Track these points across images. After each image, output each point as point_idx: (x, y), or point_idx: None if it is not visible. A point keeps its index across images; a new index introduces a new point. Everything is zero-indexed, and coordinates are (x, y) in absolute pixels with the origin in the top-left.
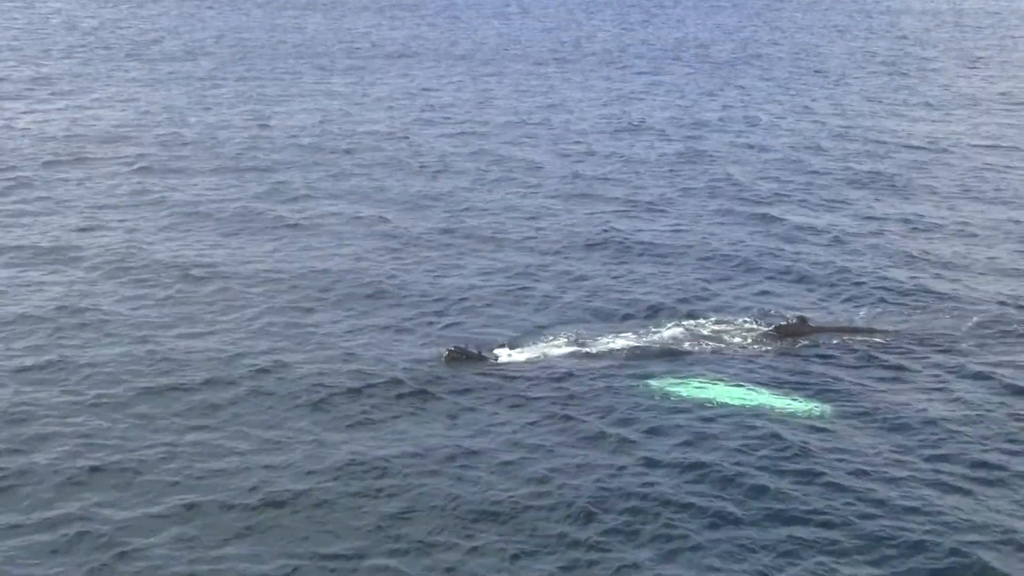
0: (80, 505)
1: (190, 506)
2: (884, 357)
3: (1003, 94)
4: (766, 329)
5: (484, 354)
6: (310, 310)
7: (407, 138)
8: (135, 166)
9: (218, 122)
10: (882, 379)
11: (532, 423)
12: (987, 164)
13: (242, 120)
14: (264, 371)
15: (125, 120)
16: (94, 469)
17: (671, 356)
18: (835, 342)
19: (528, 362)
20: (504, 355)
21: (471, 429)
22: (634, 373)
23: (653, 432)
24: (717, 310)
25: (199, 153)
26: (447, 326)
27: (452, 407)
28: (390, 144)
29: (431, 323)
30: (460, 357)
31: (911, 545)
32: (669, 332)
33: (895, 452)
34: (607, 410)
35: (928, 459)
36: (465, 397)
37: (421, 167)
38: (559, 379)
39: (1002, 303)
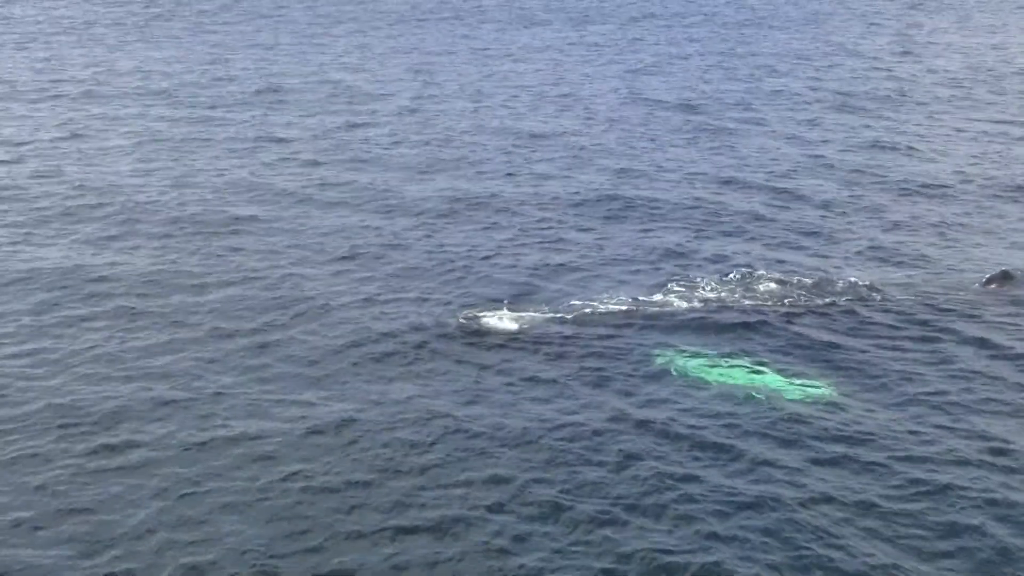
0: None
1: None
2: (891, 324)
3: (994, 47)
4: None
5: (496, 321)
6: (310, 275)
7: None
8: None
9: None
10: (888, 348)
11: (544, 389)
12: (978, 123)
13: (252, 85)
14: (266, 330)
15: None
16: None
17: (674, 324)
18: (839, 309)
19: (543, 328)
20: (518, 321)
21: (480, 394)
22: (643, 340)
23: (657, 405)
24: (710, 273)
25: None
26: (456, 293)
27: (465, 373)
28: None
29: (440, 290)
30: (473, 323)
31: (938, 526)
32: (674, 297)
33: (909, 428)
34: (613, 380)
35: (943, 435)
36: (478, 363)
37: (419, 135)
38: (570, 346)
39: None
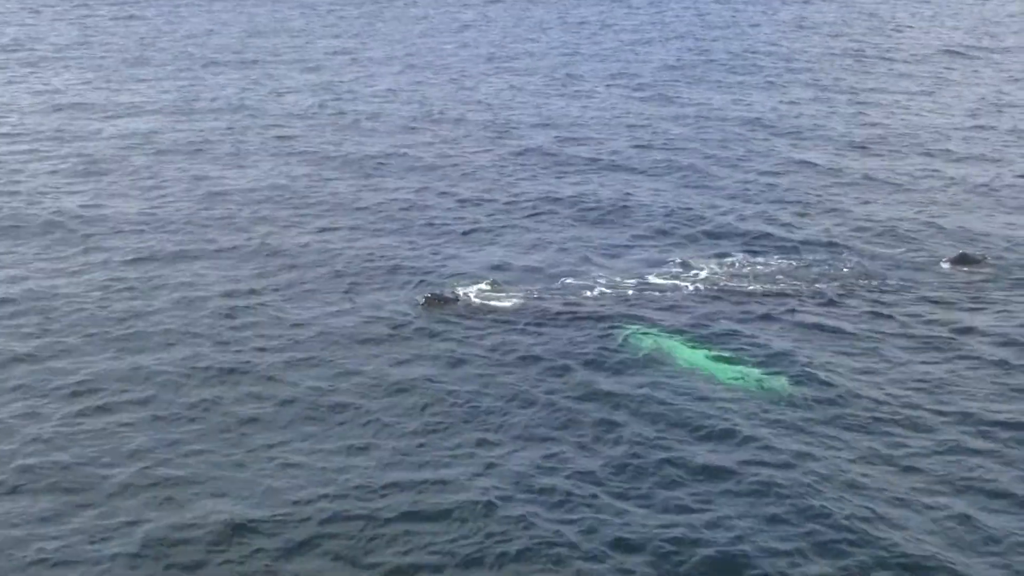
0: None
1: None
2: (853, 311)
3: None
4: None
5: (460, 299)
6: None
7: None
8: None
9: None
10: (850, 336)
11: (503, 370)
12: (914, 113)
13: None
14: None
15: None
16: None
17: (642, 304)
18: (804, 297)
19: (506, 306)
20: (482, 299)
21: (445, 375)
22: (609, 322)
23: (621, 382)
24: (675, 257)
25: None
26: (419, 273)
27: (429, 353)
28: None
29: (403, 269)
30: (437, 303)
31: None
32: (643, 278)
33: (852, 425)
34: (572, 361)
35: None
36: (441, 343)
37: (359, 118)
38: (531, 325)
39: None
